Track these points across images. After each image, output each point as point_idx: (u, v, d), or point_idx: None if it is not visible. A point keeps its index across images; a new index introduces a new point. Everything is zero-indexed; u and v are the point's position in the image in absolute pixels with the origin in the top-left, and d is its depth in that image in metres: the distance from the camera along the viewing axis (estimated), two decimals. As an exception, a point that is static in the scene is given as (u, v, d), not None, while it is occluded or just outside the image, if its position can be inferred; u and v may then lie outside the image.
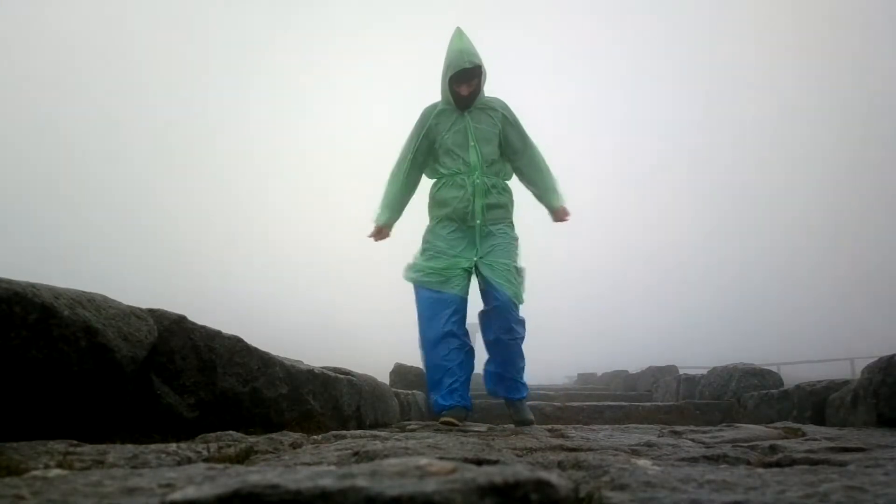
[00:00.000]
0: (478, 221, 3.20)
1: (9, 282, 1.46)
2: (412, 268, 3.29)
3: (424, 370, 3.31)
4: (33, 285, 1.52)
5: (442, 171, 3.30)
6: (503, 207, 3.30)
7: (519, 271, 3.25)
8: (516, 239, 3.34)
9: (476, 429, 2.92)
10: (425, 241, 3.33)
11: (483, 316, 3.27)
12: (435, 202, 3.33)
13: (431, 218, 3.35)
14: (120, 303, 1.84)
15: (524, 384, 3.28)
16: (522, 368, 3.25)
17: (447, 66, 3.24)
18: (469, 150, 3.24)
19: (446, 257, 3.19)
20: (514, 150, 3.40)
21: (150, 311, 1.98)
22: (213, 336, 2.11)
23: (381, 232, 3.45)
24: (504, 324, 3.16)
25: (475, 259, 3.19)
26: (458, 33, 3.29)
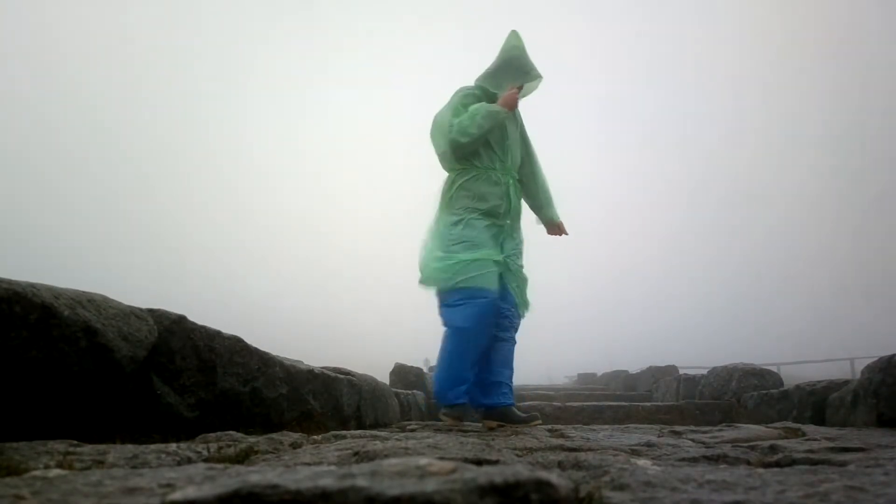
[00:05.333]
0: (508, 221, 3.16)
1: (9, 282, 1.46)
2: (445, 268, 3.00)
3: (443, 358, 3.04)
4: (33, 285, 1.52)
5: (476, 163, 3.18)
6: (521, 211, 3.30)
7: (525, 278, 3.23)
8: (523, 243, 3.32)
9: (476, 429, 2.91)
10: (455, 234, 3.07)
11: None
12: (470, 194, 3.14)
13: (464, 210, 3.12)
14: (120, 303, 1.84)
15: (512, 392, 3.14)
16: (511, 375, 3.17)
17: (518, 70, 3.18)
18: (506, 150, 3.19)
19: (482, 250, 3.05)
20: (521, 159, 3.37)
21: (150, 311, 1.98)
22: (213, 336, 2.11)
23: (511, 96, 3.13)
24: (509, 324, 3.14)
25: (502, 257, 3.12)
26: (519, 36, 3.22)
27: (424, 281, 3.15)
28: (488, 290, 2.99)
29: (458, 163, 3.20)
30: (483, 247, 3.05)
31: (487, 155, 3.18)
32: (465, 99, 3.18)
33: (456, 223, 3.11)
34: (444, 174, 3.34)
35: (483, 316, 2.98)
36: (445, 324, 3.06)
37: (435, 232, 3.21)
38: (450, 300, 3.03)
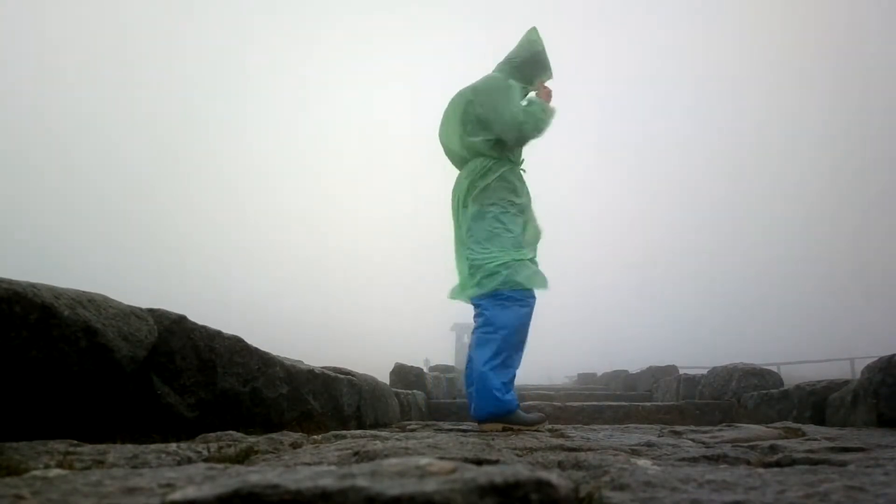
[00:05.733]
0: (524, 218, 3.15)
1: (9, 282, 1.46)
2: (499, 269, 2.86)
3: (501, 358, 2.81)
4: (33, 285, 1.52)
5: (509, 156, 3.08)
6: None
7: None
8: None
9: (476, 429, 2.91)
10: (502, 228, 2.94)
11: None
12: (510, 186, 3.02)
13: (505, 202, 2.99)
14: (120, 303, 1.84)
15: None
16: None
17: (542, 65, 3.17)
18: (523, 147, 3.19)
19: (523, 249, 2.96)
20: None
21: (150, 311, 1.98)
22: (213, 336, 2.11)
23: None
24: None
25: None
26: (539, 33, 3.21)
27: (475, 286, 2.93)
28: (533, 292, 2.93)
29: (496, 152, 3.04)
30: (522, 245, 2.99)
31: (516, 151, 3.11)
32: (515, 90, 3.08)
33: (499, 214, 2.96)
34: (452, 172, 3.23)
35: (530, 317, 2.91)
36: (502, 324, 2.83)
37: (470, 228, 3.01)
38: (508, 295, 2.86)
